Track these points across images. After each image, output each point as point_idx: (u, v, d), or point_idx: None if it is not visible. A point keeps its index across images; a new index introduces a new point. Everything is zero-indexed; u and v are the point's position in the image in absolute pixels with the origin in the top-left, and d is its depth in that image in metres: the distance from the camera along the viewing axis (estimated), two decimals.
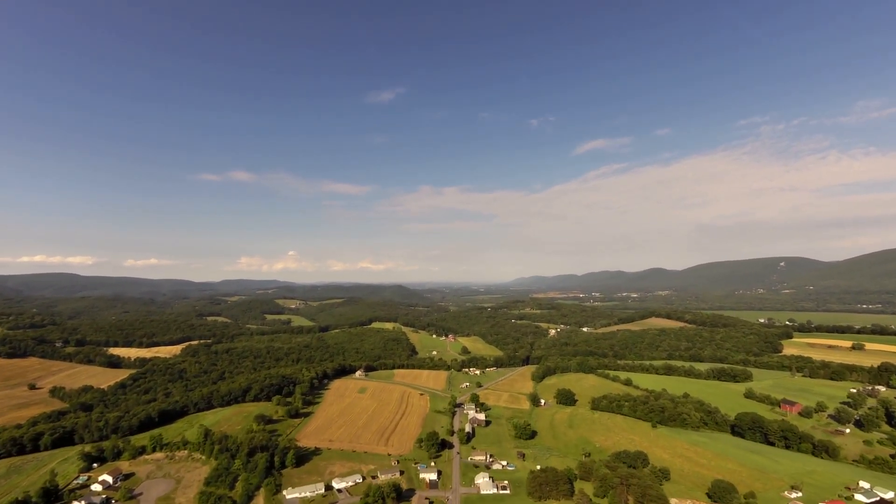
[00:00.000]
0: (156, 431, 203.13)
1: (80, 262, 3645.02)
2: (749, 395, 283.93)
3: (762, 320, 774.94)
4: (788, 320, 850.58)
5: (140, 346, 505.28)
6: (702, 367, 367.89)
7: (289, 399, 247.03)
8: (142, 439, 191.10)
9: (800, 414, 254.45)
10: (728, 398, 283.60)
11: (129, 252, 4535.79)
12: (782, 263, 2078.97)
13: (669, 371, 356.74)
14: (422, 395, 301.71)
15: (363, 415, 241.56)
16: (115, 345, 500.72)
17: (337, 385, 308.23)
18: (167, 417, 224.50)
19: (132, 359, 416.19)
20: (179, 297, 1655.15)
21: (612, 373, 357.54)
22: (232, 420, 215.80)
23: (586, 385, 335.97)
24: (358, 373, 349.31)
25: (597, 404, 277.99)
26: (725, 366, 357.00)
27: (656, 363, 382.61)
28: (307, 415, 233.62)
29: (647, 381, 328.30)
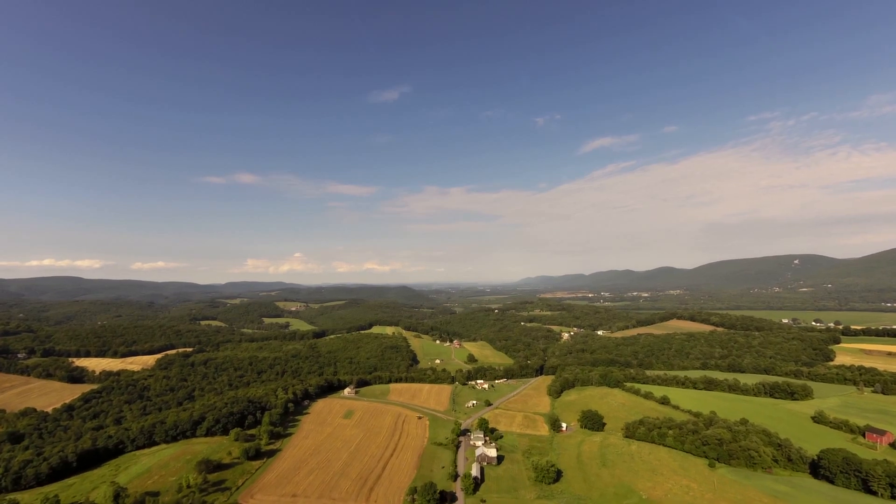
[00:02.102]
0: (66, 483, 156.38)
1: (88, 265, 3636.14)
2: (819, 419, 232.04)
3: (786, 321, 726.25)
4: (815, 320, 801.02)
5: (114, 355, 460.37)
6: (746, 379, 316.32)
7: (251, 432, 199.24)
8: (38, 497, 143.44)
9: (891, 446, 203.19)
10: (793, 423, 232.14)
11: (136, 255, 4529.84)
12: (797, 261, 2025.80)
13: (710, 385, 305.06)
14: (420, 418, 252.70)
15: (344, 451, 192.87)
16: (87, 354, 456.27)
17: (320, 407, 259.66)
18: (92, 460, 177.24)
19: (97, 372, 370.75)
20: (182, 299, 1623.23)
21: (642, 387, 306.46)
22: (169, 466, 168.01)
23: (614, 403, 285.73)
24: (347, 390, 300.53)
25: (632, 431, 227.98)
26: (779, 379, 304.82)
27: (692, 375, 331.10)
28: (272, 453, 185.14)
29: (686, 399, 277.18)
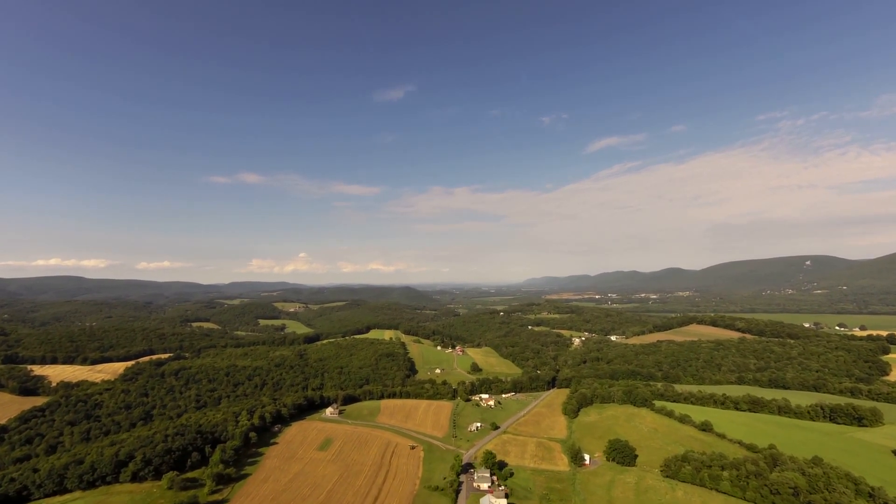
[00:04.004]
0: None
1: (94, 265, 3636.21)
2: None
3: (807, 325, 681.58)
4: (838, 325, 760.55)
5: (84, 362, 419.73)
6: (796, 398, 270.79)
7: (194, 475, 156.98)
8: None
9: None
10: (872, 461, 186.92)
11: (141, 255, 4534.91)
12: (808, 262, 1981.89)
13: (755, 406, 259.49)
14: (413, 448, 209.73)
15: (311, 501, 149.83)
16: (54, 361, 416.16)
17: (292, 434, 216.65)
18: None
19: (54, 384, 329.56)
20: (182, 299, 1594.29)
21: (675, 407, 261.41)
22: None
23: (643, 428, 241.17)
24: (329, 409, 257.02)
25: (674, 470, 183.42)
26: (839, 399, 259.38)
27: (731, 392, 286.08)
28: None
29: (731, 424, 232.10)
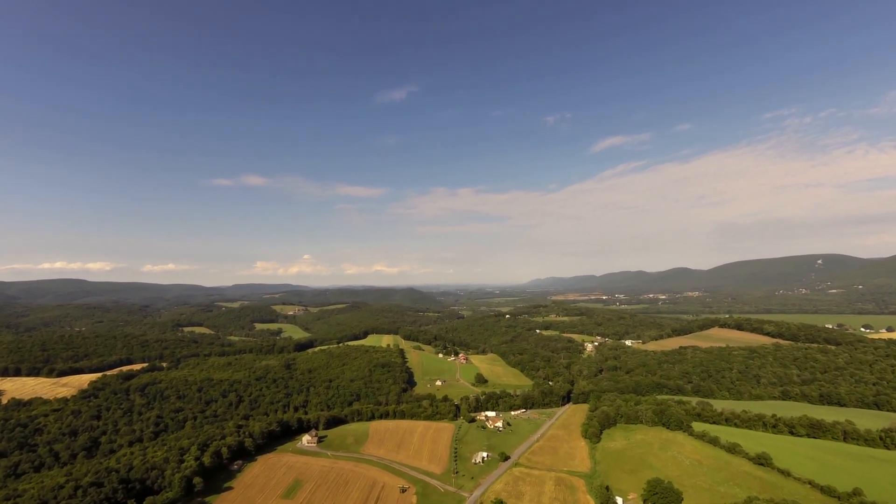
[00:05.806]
0: None
1: (99, 268, 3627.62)
2: None
3: (829, 326, 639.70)
4: (863, 326, 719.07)
5: (51, 374, 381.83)
6: (858, 418, 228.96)
7: None
8: None
9: None
10: None
11: (147, 258, 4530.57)
12: (819, 261, 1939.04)
13: (815, 430, 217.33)
14: (404, 490, 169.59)
15: None
16: (17, 373, 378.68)
17: (255, 473, 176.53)
18: None
19: (5, 401, 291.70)
20: (182, 302, 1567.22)
21: (719, 431, 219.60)
22: None
23: (684, 460, 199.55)
24: (307, 437, 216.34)
25: None
26: None
27: (780, 410, 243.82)
28: None
29: (792, 455, 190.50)
